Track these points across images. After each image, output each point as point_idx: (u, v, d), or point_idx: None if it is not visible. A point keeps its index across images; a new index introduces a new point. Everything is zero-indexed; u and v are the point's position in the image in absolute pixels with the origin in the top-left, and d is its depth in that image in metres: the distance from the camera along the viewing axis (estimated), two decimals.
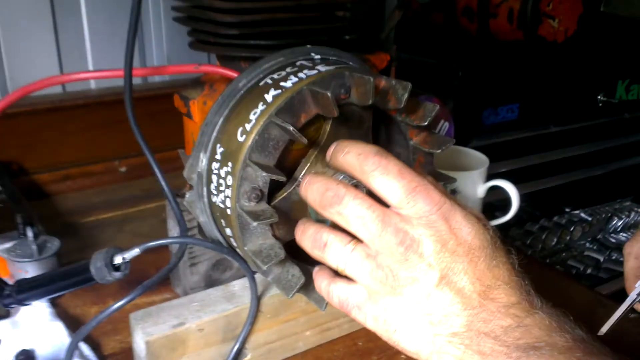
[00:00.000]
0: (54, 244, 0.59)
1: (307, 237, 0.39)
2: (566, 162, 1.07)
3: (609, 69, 1.13)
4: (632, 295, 0.49)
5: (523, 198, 0.69)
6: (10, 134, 0.82)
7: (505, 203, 0.70)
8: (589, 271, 0.91)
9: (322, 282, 0.40)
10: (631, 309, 0.49)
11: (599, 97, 1.11)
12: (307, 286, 0.43)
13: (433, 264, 0.35)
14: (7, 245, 0.58)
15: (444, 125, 0.88)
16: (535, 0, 0.89)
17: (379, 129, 0.50)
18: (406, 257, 0.35)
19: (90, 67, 0.92)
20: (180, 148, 0.74)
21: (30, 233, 0.58)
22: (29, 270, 0.57)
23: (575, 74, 1.07)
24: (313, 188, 0.38)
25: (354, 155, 0.37)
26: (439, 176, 0.52)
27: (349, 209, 0.36)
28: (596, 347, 0.33)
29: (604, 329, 0.48)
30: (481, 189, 0.68)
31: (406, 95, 0.41)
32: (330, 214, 0.37)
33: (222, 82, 0.54)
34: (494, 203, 0.79)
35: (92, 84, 0.92)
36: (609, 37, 1.09)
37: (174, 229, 0.59)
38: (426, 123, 0.43)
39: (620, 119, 1.17)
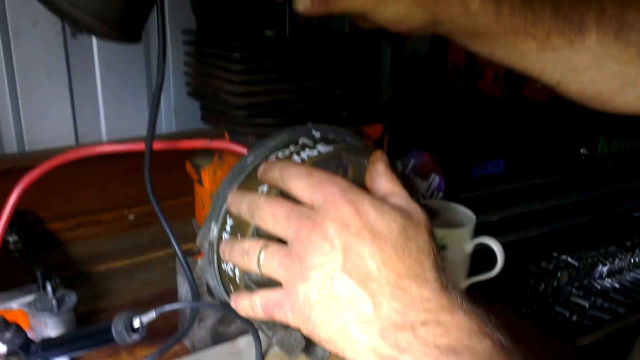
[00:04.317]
0: (71, 298, 0.63)
1: (235, 251, 0.41)
2: (552, 211, 1.12)
3: (590, 124, 1.19)
4: None
5: (512, 245, 0.73)
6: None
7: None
8: (574, 318, 0.95)
9: (242, 304, 0.41)
10: None
11: (581, 150, 1.17)
12: (308, 346, 0.47)
13: (336, 246, 0.35)
14: (28, 299, 0.63)
15: (435, 178, 0.94)
16: None
17: None
18: (310, 240, 0.36)
19: (102, 118, 0.98)
20: (185, 195, 0.79)
21: (49, 287, 0.62)
22: (48, 323, 0.61)
23: (558, 130, 1.13)
24: (243, 202, 0.42)
25: (277, 170, 0.41)
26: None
27: (264, 210, 0.39)
28: (515, 354, 0.33)
29: None
30: (469, 246, 0.73)
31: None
32: (255, 220, 0.41)
33: (230, 153, 0.59)
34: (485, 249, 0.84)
35: (104, 136, 0.98)
36: None
37: (183, 285, 0.63)
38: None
39: (603, 169, 1.23)
